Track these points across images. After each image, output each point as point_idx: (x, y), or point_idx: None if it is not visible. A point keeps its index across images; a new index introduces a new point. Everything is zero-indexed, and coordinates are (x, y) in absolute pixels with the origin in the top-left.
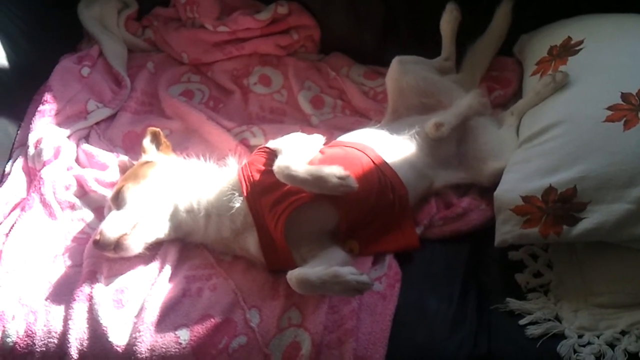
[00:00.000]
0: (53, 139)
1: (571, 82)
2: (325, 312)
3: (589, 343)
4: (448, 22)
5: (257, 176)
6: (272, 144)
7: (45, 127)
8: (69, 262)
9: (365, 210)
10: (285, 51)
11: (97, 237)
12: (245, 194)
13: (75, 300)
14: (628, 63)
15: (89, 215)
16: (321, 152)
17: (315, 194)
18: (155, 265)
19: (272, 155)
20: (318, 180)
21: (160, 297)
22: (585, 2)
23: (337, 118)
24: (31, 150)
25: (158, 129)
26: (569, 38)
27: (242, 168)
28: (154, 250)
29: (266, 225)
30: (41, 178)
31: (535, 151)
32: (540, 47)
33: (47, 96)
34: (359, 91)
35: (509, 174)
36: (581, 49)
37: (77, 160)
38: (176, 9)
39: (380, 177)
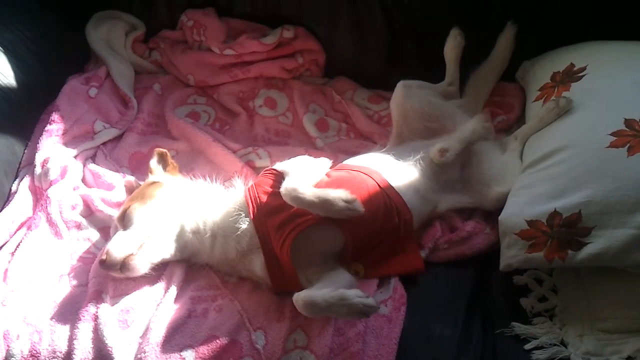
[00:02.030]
0: (60, 158)
1: (574, 108)
2: (331, 334)
3: None
4: (452, 48)
5: (264, 198)
6: (279, 166)
7: (53, 146)
8: (74, 282)
9: (371, 234)
10: (290, 74)
11: (104, 257)
12: (251, 215)
13: (80, 320)
14: (631, 90)
15: (95, 235)
16: (327, 175)
17: (321, 217)
18: (161, 285)
19: (279, 177)
20: (325, 203)
21: (165, 317)
22: (587, 29)
23: (341, 141)
24: (38, 170)
25: (165, 150)
26: (572, 64)
27: (248, 189)
28: (160, 271)
29: (272, 246)
30: (48, 197)
31: (540, 176)
32: (543, 73)
33: (55, 116)
34: (364, 115)
35: (513, 198)
36: (584, 75)
37: (83, 180)
38: (183, 32)
39: (386, 201)
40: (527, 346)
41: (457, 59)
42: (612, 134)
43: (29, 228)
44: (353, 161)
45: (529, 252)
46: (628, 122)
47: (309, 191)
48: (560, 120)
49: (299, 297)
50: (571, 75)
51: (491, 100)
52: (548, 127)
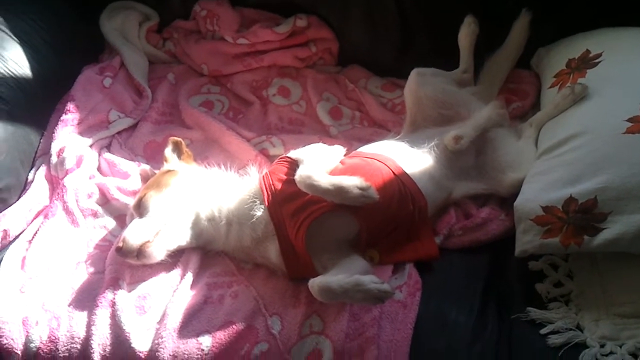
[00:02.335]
0: (75, 147)
1: (590, 94)
2: (346, 319)
3: (611, 352)
4: (466, 35)
5: (278, 185)
6: (293, 153)
7: (68, 136)
8: (91, 269)
9: (385, 221)
10: (303, 63)
11: (120, 244)
12: (266, 202)
13: (97, 306)
14: None
15: (111, 223)
16: (342, 162)
17: (336, 204)
18: (177, 272)
19: (294, 165)
20: (339, 190)
21: (182, 303)
22: (603, 16)
23: (355, 129)
24: (54, 159)
25: (179, 139)
26: (588, 51)
27: (263, 177)
28: (176, 258)
29: (287, 233)
30: (64, 186)
31: (556, 162)
32: (558, 60)
33: (70, 106)
34: (377, 103)
35: (529, 184)
36: (600, 61)
37: (99, 169)
38: (196, 22)
39: (401, 187)
40: (543, 331)
41: (471, 46)
42: (629, 120)
43: (45, 216)
44: (367, 149)
45: (545, 238)
46: None
47: (324, 178)
48: (576, 106)
49: (315, 283)
50: (587, 62)
51: (506, 87)
52: (563, 114)
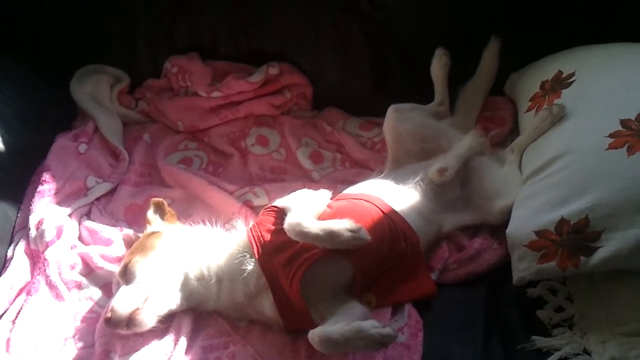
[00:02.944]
0: (54, 218)
1: (568, 114)
2: None
3: None
4: (438, 68)
5: (267, 236)
6: (279, 202)
7: (46, 207)
8: (80, 344)
9: (379, 261)
10: (279, 110)
11: (109, 315)
12: (256, 255)
13: None
14: (622, 90)
15: (96, 294)
16: (329, 206)
17: (328, 250)
18: (169, 338)
19: (281, 214)
20: (330, 235)
21: None
22: (570, 37)
23: (337, 171)
24: (33, 232)
25: (161, 199)
26: (560, 72)
27: (250, 229)
28: (167, 323)
29: (281, 285)
30: (45, 259)
31: (542, 185)
32: (531, 84)
33: (46, 176)
34: (357, 143)
35: (518, 210)
36: (573, 81)
37: (80, 238)
38: (168, 79)
39: (391, 226)
40: (551, 359)
41: (444, 78)
42: (610, 136)
43: (28, 293)
44: (353, 190)
45: (541, 263)
46: (624, 122)
47: (314, 224)
48: (556, 127)
49: (315, 334)
50: (560, 82)
51: (482, 115)
52: (544, 136)
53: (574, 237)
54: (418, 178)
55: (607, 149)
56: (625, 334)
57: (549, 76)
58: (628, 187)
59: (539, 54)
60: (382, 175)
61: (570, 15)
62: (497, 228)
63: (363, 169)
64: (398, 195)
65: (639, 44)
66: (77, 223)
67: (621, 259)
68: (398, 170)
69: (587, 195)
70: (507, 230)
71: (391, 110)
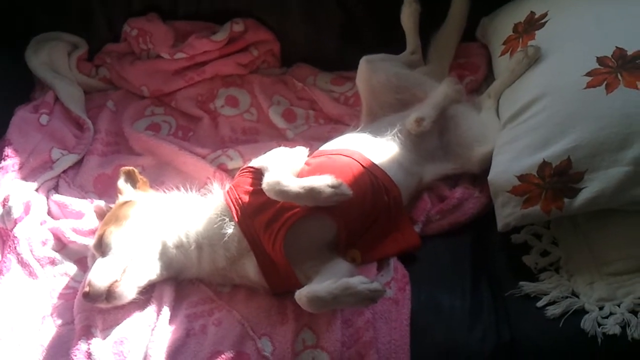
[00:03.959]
0: (21, 194)
1: (544, 55)
2: (339, 327)
3: (611, 314)
4: (409, 15)
5: (245, 198)
6: (255, 162)
7: (11, 183)
8: (59, 321)
9: (362, 216)
10: (247, 69)
11: (87, 289)
12: (236, 218)
13: None
14: (596, 27)
15: (71, 269)
16: (307, 164)
17: (309, 207)
18: (151, 309)
19: (258, 174)
20: (311, 192)
21: (163, 342)
22: None
23: (312, 128)
24: None
25: (131, 168)
26: (532, 13)
27: (227, 192)
28: (148, 294)
29: (263, 247)
30: (15, 237)
31: (522, 129)
32: (504, 27)
33: (8, 150)
34: (330, 98)
35: (499, 156)
36: (547, 21)
37: (49, 213)
38: (128, 43)
39: (372, 180)
40: (540, 303)
41: (415, 26)
42: (587, 74)
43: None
44: (330, 146)
45: (525, 208)
46: (600, 60)
47: (293, 183)
48: (532, 69)
49: (302, 294)
50: (533, 24)
51: (455, 62)
52: (520, 79)
53: (557, 179)
54: (395, 130)
55: (585, 88)
56: (612, 273)
57: (522, 18)
58: (608, 125)
59: None
60: (358, 129)
61: None
62: (477, 176)
63: (338, 125)
64: (377, 148)
65: None
66: (45, 197)
67: (605, 198)
68: (374, 123)
69: (568, 136)
70: (489, 177)
71: (363, 62)
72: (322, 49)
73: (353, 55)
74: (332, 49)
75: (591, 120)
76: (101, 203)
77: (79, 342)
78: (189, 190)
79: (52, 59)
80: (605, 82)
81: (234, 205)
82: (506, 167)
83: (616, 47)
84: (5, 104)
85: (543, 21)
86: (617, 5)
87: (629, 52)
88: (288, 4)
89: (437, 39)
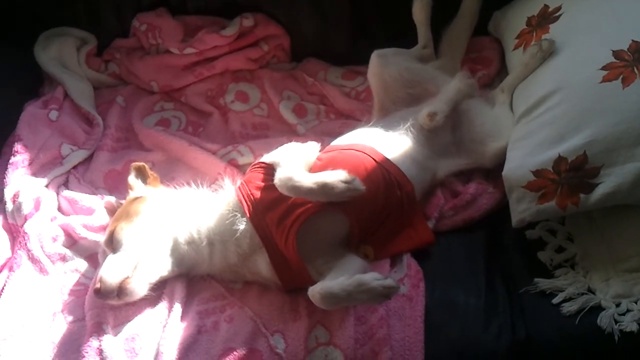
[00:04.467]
0: (31, 190)
1: (558, 49)
2: (352, 324)
3: (628, 310)
4: (420, 9)
5: (257, 194)
6: (267, 158)
7: (21, 179)
8: (70, 318)
9: (375, 212)
10: (257, 64)
11: (98, 286)
12: (248, 214)
13: (84, 357)
14: (612, 20)
15: (82, 265)
16: (319, 159)
17: (322, 203)
18: (163, 305)
19: (270, 170)
20: (324, 187)
21: (175, 338)
22: None
23: (323, 124)
24: (9, 206)
25: (142, 163)
26: (546, 6)
27: (239, 188)
28: (159, 290)
29: (275, 243)
30: (25, 233)
31: (536, 123)
32: (517, 20)
33: (18, 146)
34: (341, 93)
35: (513, 151)
36: (561, 14)
37: (59, 209)
38: (137, 38)
39: (385, 175)
40: (555, 300)
41: (427, 19)
42: (603, 68)
43: (10, 269)
44: (342, 140)
45: (541, 203)
46: (616, 54)
47: (305, 178)
48: (546, 63)
49: (315, 291)
50: (547, 17)
51: (468, 57)
52: (534, 73)
53: (573, 174)
54: (408, 124)
55: (601, 82)
56: (628, 270)
57: (535, 11)
58: (625, 120)
59: None
60: (370, 124)
61: None
62: (491, 171)
63: (349, 120)
64: (389, 143)
65: None
66: (55, 193)
67: (621, 194)
68: (386, 118)
69: (584, 131)
70: (504, 172)
71: (374, 56)
72: (332, 44)
73: (364, 50)
74: (343, 44)
75: (607, 114)
76: (112, 199)
77: (90, 339)
78: (200, 186)
79: (61, 54)
80: (621, 76)
81: (245, 201)
82: (521, 162)
83: (632, 40)
84: (14, 99)
85: (557, 14)
86: None
87: None
88: None
89: (448, 32)
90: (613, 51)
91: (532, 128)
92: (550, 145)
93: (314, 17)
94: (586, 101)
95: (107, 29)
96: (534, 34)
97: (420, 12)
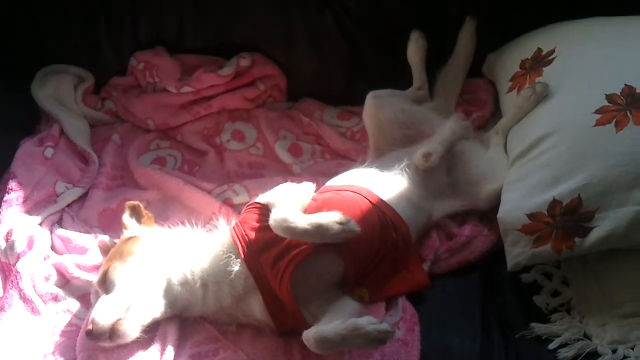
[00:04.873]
0: (25, 228)
1: (552, 92)
2: None
3: (625, 357)
4: (415, 51)
5: (252, 235)
6: (262, 198)
7: (15, 217)
8: None
9: (370, 254)
10: (253, 104)
11: (90, 327)
12: (242, 255)
13: None
14: (605, 65)
15: (75, 305)
16: (314, 200)
17: (317, 245)
18: (155, 348)
19: (265, 210)
20: (319, 229)
21: None
22: (546, 15)
23: (318, 164)
24: (2, 244)
25: (137, 202)
26: (540, 50)
27: (234, 228)
28: (152, 332)
29: (270, 285)
30: (18, 272)
31: (531, 166)
32: (511, 63)
33: (12, 184)
34: (336, 133)
35: (508, 194)
36: (554, 58)
37: (53, 248)
38: (135, 77)
39: (381, 216)
40: (552, 346)
41: (422, 62)
42: (597, 112)
43: (1, 309)
44: (337, 181)
45: (536, 247)
46: (610, 98)
47: (301, 219)
48: (540, 106)
49: (309, 335)
50: (541, 60)
51: (462, 98)
52: (529, 116)
53: (568, 218)
54: (403, 165)
55: (595, 126)
56: (624, 315)
57: (529, 55)
58: (619, 164)
59: (515, 33)
60: (365, 164)
61: None
62: (486, 214)
63: (344, 160)
64: (385, 184)
65: (614, 18)
66: (49, 232)
67: (616, 238)
68: (381, 158)
69: (579, 175)
70: (499, 215)
71: (370, 98)
72: (328, 84)
73: (360, 91)
74: (338, 83)
75: (601, 158)
76: (105, 238)
77: None
78: (195, 225)
79: (59, 92)
80: (614, 120)
81: (240, 242)
82: (516, 205)
83: (625, 84)
84: (10, 136)
85: (551, 58)
86: (626, 43)
87: (638, 90)
88: (294, 39)
89: (443, 75)
90: (606, 95)
91: (527, 171)
92: (545, 189)
93: (311, 57)
94: (580, 145)
95: (105, 67)
96: (528, 77)
97: (415, 55)
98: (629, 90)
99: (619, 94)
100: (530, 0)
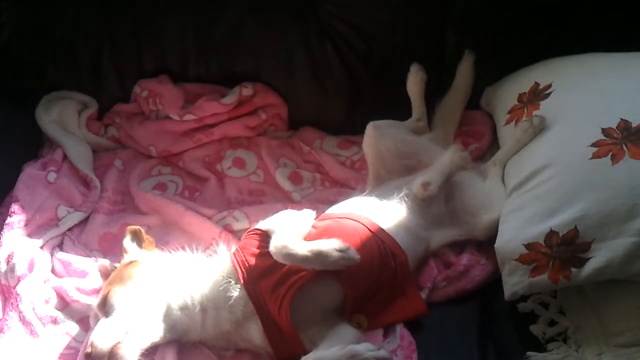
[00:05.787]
0: (25, 251)
1: (549, 125)
2: None
3: None
4: (415, 83)
5: (252, 260)
6: (262, 225)
7: (16, 239)
8: None
9: (369, 281)
10: (255, 132)
11: (89, 350)
12: (242, 280)
13: None
14: (601, 99)
15: (74, 328)
16: (314, 227)
17: (316, 271)
18: None
19: (265, 236)
20: (318, 256)
21: None
22: (543, 49)
23: (318, 191)
24: (3, 267)
25: (137, 227)
26: (537, 84)
27: (234, 254)
28: (150, 356)
29: (269, 311)
30: (18, 295)
31: (528, 197)
32: (508, 97)
33: (14, 207)
34: (336, 162)
35: (506, 224)
36: (551, 92)
37: (53, 271)
38: (138, 104)
39: (379, 245)
40: None
41: (421, 93)
42: (593, 145)
43: (1, 331)
44: (337, 209)
45: (533, 276)
46: (605, 131)
47: (300, 246)
48: (537, 139)
49: None
50: (538, 94)
51: (460, 130)
52: (526, 148)
53: (564, 248)
54: (402, 194)
55: (591, 159)
56: (620, 345)
57: (526, 88)
58: (615, 196)
59: (513, 67)
60: (364, 193)
61: (540, 27)
62: (483, 243)
63: (344, 188)
64: (384, 212)
65: (611, 53)
66: (49, 255)
67: (612, 269)
68: (380, 187)
69: (575, 206)
70: (496, 245)
71: (370, 128)
72: (328, 113)
73: (359, 120)
74: (339, 113)
75: (598, 190)
76: (106, 262)
77: None
78: (195, 250)
79: (62, 117)
80: (610, 153)
81: (240, 268)
82: (513, 235)
83: (621, 119)
84: (13, 160)
85: (548, 92)
86: (621, 78)
87: (634, 124)
88: (295, 69)
89: (442, 106)
90: (602, 129)
91: (523, 201)
92: (542, 219)
93: (312, 87)
94: (577, 176)
95: (108, 94)
96: (525, 110)
97: (414, 86)
98: (624, 124)
99: (615, 127)
100: (527, 35)
